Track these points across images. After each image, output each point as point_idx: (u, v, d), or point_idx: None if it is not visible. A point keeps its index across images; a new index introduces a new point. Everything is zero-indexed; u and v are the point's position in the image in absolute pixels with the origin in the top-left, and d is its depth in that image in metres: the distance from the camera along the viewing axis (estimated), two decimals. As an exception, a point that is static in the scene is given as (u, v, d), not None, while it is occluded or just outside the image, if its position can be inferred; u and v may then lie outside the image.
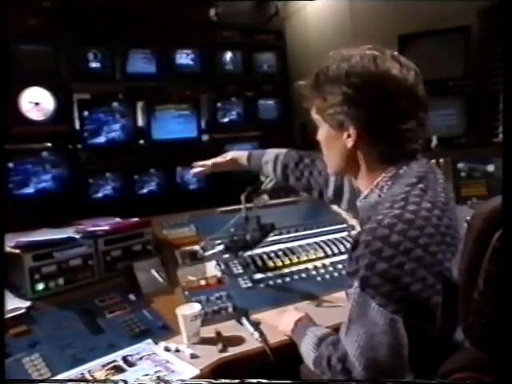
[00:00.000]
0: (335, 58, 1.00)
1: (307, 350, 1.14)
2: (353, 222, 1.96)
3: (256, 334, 1.34)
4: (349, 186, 1.34)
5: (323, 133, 1.04)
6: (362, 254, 0.88)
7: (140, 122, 2.85)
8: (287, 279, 1.69)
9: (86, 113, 2.62)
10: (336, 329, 1.15)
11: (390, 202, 0.91)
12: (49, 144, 2.47)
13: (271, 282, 1.67)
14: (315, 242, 1.89)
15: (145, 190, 2.79)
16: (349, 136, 0.97)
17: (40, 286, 1.45)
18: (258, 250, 1.76)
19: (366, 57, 0.97)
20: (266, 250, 1.80)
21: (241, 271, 1.71)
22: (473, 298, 0.72)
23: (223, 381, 1.18)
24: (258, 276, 1.69)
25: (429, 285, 0.86)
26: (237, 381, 1.18)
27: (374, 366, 0.90)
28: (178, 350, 1.30)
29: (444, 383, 0.83)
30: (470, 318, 0.73)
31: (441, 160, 2.00)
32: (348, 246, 1.87)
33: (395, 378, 0.90)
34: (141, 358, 1.26)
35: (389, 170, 0.97)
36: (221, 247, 1.64)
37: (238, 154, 1.62)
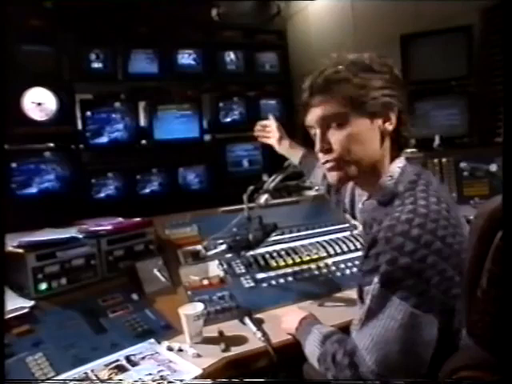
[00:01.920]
0: (344, 56, 1.02)
1: (312, 348, 1.13)
2: (355, 221, 1.96)
3: (259, 334, 1.34)
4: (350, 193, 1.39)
5: (357, 126, 0.97)
6: (382, 251, 0.88)
7: (142, 122, 2.86)
8: (290, 279, 1.69)
9: (88, 113, 2.63)
10: (339, 328, 1.16)
11: (401, 195, 0.94)
12: (51, 144, 2.48)
13: (274, 282, 1.67)
14: (317, 242, 1.89)
15: (147, 190, 2.80)
16: (386, 121, 0.98)
17: (43, 286, 1.45)
18: (261, 250, 1.76)
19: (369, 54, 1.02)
20: (269, 249, 1.80)
21: (243, 271, 1.71)
22: (476, 297, 0.72)
23: (222, 380, 1.19)
24: (261, 276, 1.69)
25: (448, 277, 0.87)
26: (235, 380, 1.19)
27: (386, 361, 0.89)
28: (180, 350, 1.30)
29: (446, 382, 0.83)
30: (474, 317, 0.73)
31: (443, 159, 2.00)
32: (350, 245, 1.87)
33: (407, 377, 0.89)
34: (144, 358, 1.26)
35: (400, 160, 1.01)
36: (223, 247, 1.64)
37: (295, 146, 1.66)
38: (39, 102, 2.41)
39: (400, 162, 1.01)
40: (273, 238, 1.73)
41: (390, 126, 0.98)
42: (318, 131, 1.00)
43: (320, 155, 1.02)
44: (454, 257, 0.87)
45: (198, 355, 1.27)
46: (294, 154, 1.67)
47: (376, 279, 0.90)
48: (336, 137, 0.98)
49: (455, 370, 0.81)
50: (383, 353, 0.89)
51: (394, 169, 1.00)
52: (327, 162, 1.01)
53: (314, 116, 1.00)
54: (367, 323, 0.92)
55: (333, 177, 1.01)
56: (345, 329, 1.34)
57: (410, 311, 0.86)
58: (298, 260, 1.78)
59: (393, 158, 1.02)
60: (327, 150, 0.99)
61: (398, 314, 0.87)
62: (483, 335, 0.73)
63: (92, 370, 1.21)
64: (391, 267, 0.86)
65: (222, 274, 1.69)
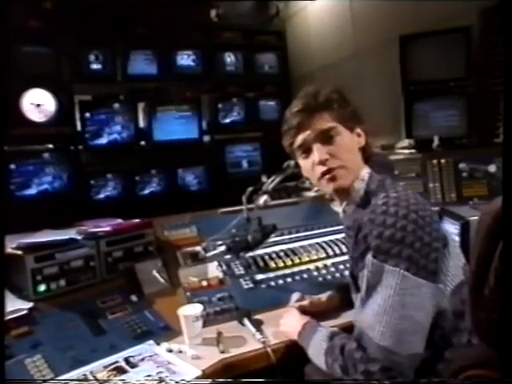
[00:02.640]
0: (322, 87, 1.19)
1: (318, 343, 1.14)
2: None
3: (258, 335, 1.33)
4: None
5: (345, 138, 1.15)
6: (369, 230, 1.03)
7: (141, 123, 2.86)
8: (289, 280, 1.69)
9: (87, 114, 2.63)
10: (340, 328, 1.17)
11: (375, 193, 1.11)
12: (50, 145, 2.48)
13: (273, 283, 1.67)
14: (317, 243, 1.89)
15: (146, 191, 2.80)
16: (359, 136, 1.18)
17: (42, 288, 1.44)
18: (260, 251, 1.75)
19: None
20: (268, 250, 1.80)
21: (242, 272, 1.71)
22: (483, 295, 0.72)
23: (221, 380, 1.19)
24: (260, 277, 1.69)
25: (426, 243, 0.99)
26: (230, 380, 1.19)
27: (388, 332, 0.96)
28: (180, 351, 1.30)
29: (450, 383, 0.83)
30: (481, 315, 0.73)
31: (442, 160, 2.00)
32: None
33: (411, 345, 0.95)
34: (143, 359, 1.26)
35: (366, 168, 1.18)
36: (222, 248, 1.64)
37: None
38: (38, 103, 2.42)
39: (367, 169, 1.18)
40: (272, 239, 1.73)
41: (362, 141, 1.19)
42: (316, 145, 1.13)
43: (319, 168, 1.14)
44: (428, 226, 1.01)
45: (197, 356, 1.27)
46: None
47: (369, 255, 1.03)
48: (334, 148, 1.13)
49: (462, 369, 0.81)
50: (384, 323, 0.97)
51: (364, 174, 1.16)
52: (327, 171, 1.13)
53: (311, 133, 1.14)
54: (367, 302, 1.02)
55: (331, 186, 1.15)
56: (344, 329, 1.35)
57: (402, 274, 0.97)
58: (297, 261, 1.78)
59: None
60: (326, 160, 1.12)
61: (393, 280, 0.98)
62: (490, 333, 0.73)
63: (91, 372, 1.20)
64: (379, 240, 1.00)
65: (221, 275, 1.69)
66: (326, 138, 1.13)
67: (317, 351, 1.14)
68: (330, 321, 1.37)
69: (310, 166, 1.16)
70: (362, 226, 1.07)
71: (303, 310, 1.37)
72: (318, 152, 1.13)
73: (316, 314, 1.36)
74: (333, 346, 1.08)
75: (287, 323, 1.33)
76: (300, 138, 1.16)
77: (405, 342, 0.96)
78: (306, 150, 1.16)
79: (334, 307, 1.44)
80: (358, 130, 1.18)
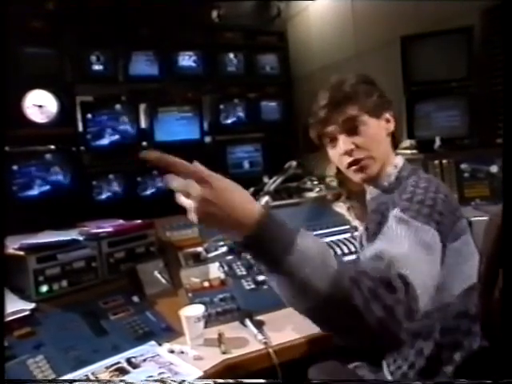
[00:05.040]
0: (347, 77, 1.19)
1: (316, 254, 0.72)
2: (356, 223, 1.96)
3: (259, 336, 1.34)
4: None
5: (372, 128, 1.14)
6: (398, 199, 1.01)
7: (143, 124, 2.86)
8: (290, 281, 1.69)
9: (89, 115, 2.63)
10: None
11: (406, 178, 1.12)
12: (52, 146, 2.48)
13: (274, 284, 1.67)
14: (318, 244, 1.89)
15: (148, 192, 2.80)
16: (387, 122, 1.18)
17: (44, 288, 1.45)
18: (261, 252, 1.75)
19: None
20: (269, 251, 1.80)
21: (244, 273, 1.71)
22: (493, 298, 0.71)
23: (222, 381, 1.19)
24: (262, 277, 1.69)
25: (454, 218, 1.01)
26: (232, 381, 1.18)
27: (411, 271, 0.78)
28: (181, 352, 1.30)
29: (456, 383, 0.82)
30: (491, 318, 0.73)
31: (444, 161, 2.00)
32: (351, 247, 1.87)
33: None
34: (144, 360, 1.26)
35: (400, 157, 1.20)
36: (224, 249, 1.64)
37: None
38: (40, 105, 2.42)
39: (401, 158, 1.20)
40: (273, 239, 1.73)
41: (391, 126, 1.18)
42: (342, 137, 1.14)
43: (345, 158, 1.15)
44: (456, 206, 1.03)
45: (199, 357, 1.27)
46: None
47: (395, 211, 0.96)
48: (360, 138, 1.13)
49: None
50: (410, 266, 0.79)
51: (398, 161, 1.18)
52: (354, 162, 1.14)
53: (337, 124, 1.14)
54: (379, 241, 0.90)
55: (358, 177, 1.17)
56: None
57: (432, 233, 0.91)
58: (298, 262, 1.77)
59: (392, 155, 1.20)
60: (351, 150, 1.13)
61: (419, 233, 0.89)
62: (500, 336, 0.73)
63: (93, 373, 1.21)
64: (408, 203, 0.97)
65: (222, 275, 1.69)
66: (352, 128, 1.14)
67: (315, 266, 0.70)
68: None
69: (337, 155, 1.18)
70: (390, 206, 1.05)
71: None
72: (344, 143, 1.14)
73: None
74: (350, 271, 0.73)
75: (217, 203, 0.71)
76: (326, 130, 1.17)
77: (424, 293, 0.79)
78: (333, 139, 1.17)
79: None
80: (387, 116, 1.18)
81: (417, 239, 0.88)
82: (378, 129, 1.16)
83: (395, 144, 1.21)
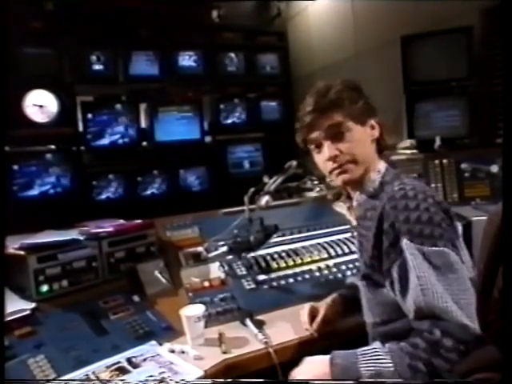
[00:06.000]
0: (333, 84, 1.20)
1: (374, 361, 0.98)
2: (356, 222, 1.96)
3: (260, 336, 1.33)
4: None
5: (356, 133, 1.16)
6: (394, 217, 1.05)
7: (143, 124, 2.87)
8: (291, 280, 1.69)
9: (89, 115, 2.64)
10: (344, 330, 1.16)
11: (389, 183, 1.15)
12: (52, 146, 2.49)
13: (275, 284, 1.67)
14: (318, 243, 1.89)
15: (148, 192, 2.80)
16: (372, 128, 1.20)
17: (44, 288, 1.45)
18: (262, 252, 1.75)
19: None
20: (270, 251, 1.80)
21: (244, 272, 1.71)
22: (492, 297, 0.71)
23: (222, 381, 1.19)
24: (262, 277, 1.69)
25: (450, 222, 1.06)
26: (232, 380, 1.18)
27: (460, 308, 0.94)
28: (182, 352, 1.30)
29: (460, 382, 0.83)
30: (490, 317, 0.73)
31: (444, 161, 2.00)
32: (351, 246, 1.87)
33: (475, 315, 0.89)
34: (145, 360, 1.26)
35: (383, 162, 1.21)
36: (224, 248, 1.64)
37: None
38: (40, 105, 2.42)
39: (384, 163, 1.22)
40: (274, 239, 1.73)
41: (376, 133, 1.20)
42: (326, 143, 1.16)
43: (329, 163, 1.17)
44: (443, 203, 1.08)
45: (200, 357, 1.27)
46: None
47: (405, 240, 1.02)
48: (344, 145, 1.15)
49: (471, 371, 0.80)
50: (451, 301, 0.95)
51: (381, 167, 1.20)
52: (337, 167, 1.16)
53: (322, 130, 1.16)
54: (409, 284, 1.01)
55: (340, 179, 1.18)
56: (347, 330, 1.35)
57: (443, 251, 1.00)
58: (299, 261, 1.78)
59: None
60: (336, 156, 1.15)
61: (438, 259, 0.99)
62: (499, 335, 0.73)
63: (93, 372, 1.21)
64: (408, 224, 1.03)
65: (223, 275, 1.69)
66: (336, 134, 1.15)
67: (378, 369, 0.97)
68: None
69: (321, 161, 1.20)
70: (384, 216, 1.07)
71: (312, 317, 1.36)
72: (328, 149, 1.16)
73: (325, 320, 1.35)
74: (403, 350, 0.95)
75: (307, 371, 1.09)
76: (312, 136, 1.18)
77: (473, 313, 0.90)
78: (318, 145, 1.19)
79: (337, 312, 1.38)
80: (372, 123, 1.20)
81: (442, 269, 0.98)
82: (362, 135, 1.17)
83: (380, 150, 1.23)
